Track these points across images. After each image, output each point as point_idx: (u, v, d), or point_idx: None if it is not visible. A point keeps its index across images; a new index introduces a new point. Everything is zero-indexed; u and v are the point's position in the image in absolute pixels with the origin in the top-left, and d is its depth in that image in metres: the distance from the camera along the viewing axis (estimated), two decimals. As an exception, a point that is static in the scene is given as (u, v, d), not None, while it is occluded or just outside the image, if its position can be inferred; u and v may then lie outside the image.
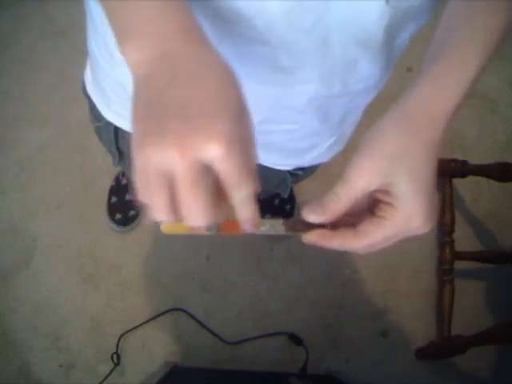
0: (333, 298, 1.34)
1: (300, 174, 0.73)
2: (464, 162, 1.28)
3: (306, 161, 0.67)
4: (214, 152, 0.26)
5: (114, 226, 1.30)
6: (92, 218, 1.33)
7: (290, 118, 0.51)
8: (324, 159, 0.69)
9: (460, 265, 1.32)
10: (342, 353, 1.32)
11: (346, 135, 0.66)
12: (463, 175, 1.29)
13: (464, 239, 1.37)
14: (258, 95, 0.44)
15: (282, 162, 0.66)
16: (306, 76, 0.43)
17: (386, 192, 0.35)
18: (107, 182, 1.33)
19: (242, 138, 0.28)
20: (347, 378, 1.23)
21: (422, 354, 1.30)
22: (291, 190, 1.35)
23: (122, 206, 1.30)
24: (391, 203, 0.35)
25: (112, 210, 1.31)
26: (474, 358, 1.26)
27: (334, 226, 0.37)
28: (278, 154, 0.62)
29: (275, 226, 0.38)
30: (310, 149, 0.62)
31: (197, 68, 0.29)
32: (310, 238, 0.37)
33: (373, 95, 0.55)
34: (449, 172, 1.32)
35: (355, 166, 0.35)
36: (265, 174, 0.69)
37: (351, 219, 0.37)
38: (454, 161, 1.30)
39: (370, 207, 0.37)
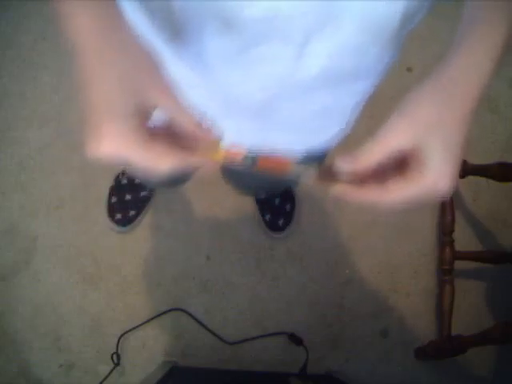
0: (333, 298, 1.34)
1: (311, 162, 0.72)
2: (464, 162, 1.28)
3: (318, 143, 0.66)
4: None
5: (113, 226, 1.30)
6: (92, 218, 1.33)
7: (299, 94, 0.51)
8: (332, 144, 0.68)
9: (460, 265, 1.32)
10: (342, 353, 1.32)
11: (352, 116, 0.66)
12: (463, 175, 1.29)
13: (464, 239, 1.37)
14: (267, 68, 0.45)
15: (294, 143, 0.65)
16: (315, 49, 0.43)
17: (416, 157, 0.37)
18: (107, 182, 1.33)
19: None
20: (347, 378, 1.23)
21: (421, 353, 1.30)
22: (291, 189, 1.35)
23: (122, 206, 1.30)
24: (419, 168, 0.37)
25: (112, 210, 1.30)
26: (474, 358, 1.26)
27: (361, 183, 0.39)
28: (287, 133, 0.62)
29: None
30: (319, 130, 0.62)
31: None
32: (339, 189, 0.39)
33: (376, 82, 0.56)
34: (449, 172, 1.32)
35: (390, 125, 0.37)
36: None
37: (377, 180, 0.39)
38: (454, 161, 1.30)
39: (398, 168, 0.39)
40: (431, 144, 0.36)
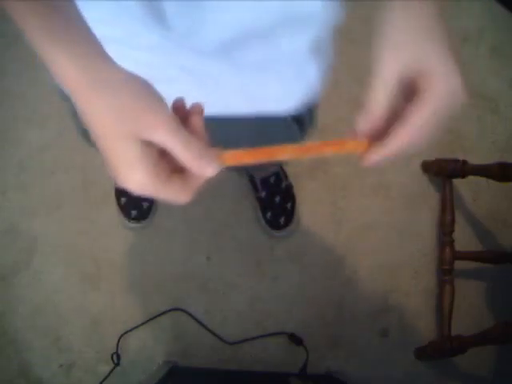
0: (333, 298, 1.34)
1: (305, 117, 0.70)
2: (464, 162, 1.28)
3: (299, 96, 0.63)
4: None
5: (133, 224, 1.29)
6: (92, 217, 1.33)
7: (269, 31, 0.50)
8: (316, 93, 0.66)
9: (460, 265, 1.32)
10: (342, 353, 1.32)
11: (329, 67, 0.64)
12: (463, 175, 1.29)
13: (464, 239, 1.37)
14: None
15: (277, 97, 0.62)
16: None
17: (419, 74, 0.35)
18: (107, 182, 1.33)
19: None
20: (347, 378, 1.23)
21: (421, 353, 1.30)
22: (291, 189, 1.35)
23: (134, 202, 1.29)
24: (431, 78, 0.35)
25: (126, 210, 1.30)
26: (474, 358, 1.26)
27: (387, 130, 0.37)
28: (265, 76, 0.59)
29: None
30: (298, 76, 0.60)
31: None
32: (372, 156, 0.37)
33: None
34: (449, 172, 1.32)
35: (382, 57, 0.36)
36: (269, 130, 0.66)
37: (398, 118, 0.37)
38: (454, 161, 1.30)
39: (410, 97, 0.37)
40: (433, 50, 0.35)
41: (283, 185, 1.33)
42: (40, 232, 1.32)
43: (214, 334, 1.28)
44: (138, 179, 0.33)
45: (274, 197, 1.32)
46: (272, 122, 0.65)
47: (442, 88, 0.35)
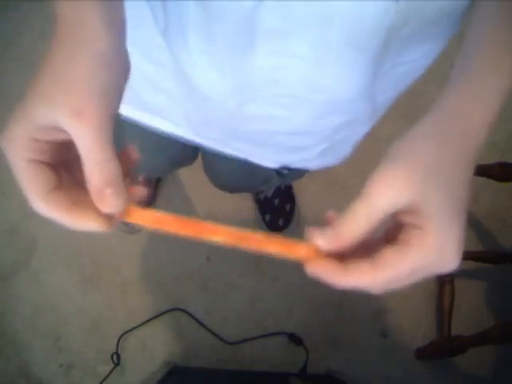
0: (333, 298, 1.34)
1: (286, 173, 0.73)
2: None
3: (294, 161, 0.67)
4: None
5: (125, 228, 1.29)
6: (92, 218, 1.33)
7: (279, 99, 0.48)
8: (313, 166, 0.68)
9: (460, 265, 1.32)
10: (342, 353, 1.32)
11: (340, 151, 0.65)
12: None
13: (464, 239, 1.37)
14: (244, 63, 0.43)
15: (268, 157, 0.66)
16: (299, 49, 0.41)
17: (414, 213, 0.28)
18: (107, 182, 1.33)
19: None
20: (347, 378, 1.23)
21: (421, 353, 1.30)
22: (291, 189, 1.35)
23: None
24: (421, 225, 0.28)
25: None
26: (474, 358, 1.26)
27: (341, 257, 0.31)
28: (264, 148, 0.62)
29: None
30: (297, 149, 0.62)
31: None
32: (316, 268, 0.32)
33: (365, 124, 0.54)
34: (449, 172, 1.32)
35: (379, 178, 0.29)
36: (251, 169, 0.70)
37: (361, 251, 0.31)
38: (454, 161, 1.30)
39: (389, 235, 0.31)
40: (433, 192, 0.28)
41: (282, 186, 1.33)
42: (40, 232, 1.32)
43: (214, 334, 1.28)
44: (13, 136, 0.30)
45: (272, 199, 1.32)
46: (256, 167, 0.67)
47: (430, 248, 0.28)
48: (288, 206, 1.33)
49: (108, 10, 0.30)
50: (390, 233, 0.31)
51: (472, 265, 1.33)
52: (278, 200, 1.33)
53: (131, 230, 1.31)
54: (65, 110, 0.28)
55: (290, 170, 0.70)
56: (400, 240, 0.29)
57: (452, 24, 0.40)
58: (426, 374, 1.32)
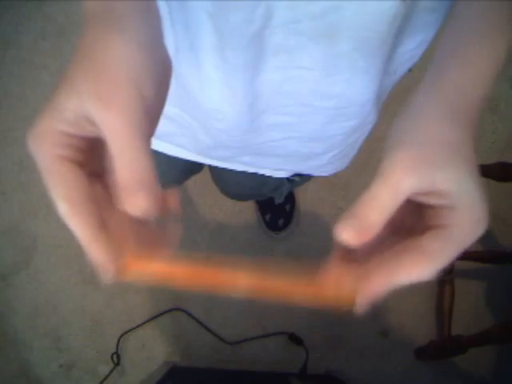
0: (333, 298, 1.34)
1: (297, 180, 0.73)
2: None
3: (304, 168, 0.67)
4: None
5: None
6: (92, 217, 1.33)
7: (289, 108, 0.49)
8: (323, 173, 0.69)
9: (460, 265, 1.32)
10: (342, 353, 1.32)
11: (350, 155, 0.65)
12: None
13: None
14: (255, 77, 0.43)
15: (279, 167, 0.66)
16: (307, 61, 0.41)
17: (441, 194, 0.27)
18: (107, 182, 1.33)
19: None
20: (347, 378, 1.23)
21: (421, 353, 1.30)
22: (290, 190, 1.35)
23: None
24: (454, 205, 0.27)
25: None
26: (474, 357, 1.26)
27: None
28: (275, 159, 0.62)
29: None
30: (309, 157, 0.62)
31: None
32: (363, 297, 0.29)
33: (369, 122, 0.54)
34: (449, 172, 1.32)
35: (399, 160, 0.27)
36: (261, 178, 0.70)
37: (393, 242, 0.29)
38: (454, 161, 1.30)
39: (401, 225, 0.30)
40: (457, 168, 0.28)
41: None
42: (40, 232, 1.32)
43: (214, 334, 1.28)
44: (41, 129, 0.28)
45: (272, 198, 1.32)
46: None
47: (468, 223, 0.28)
48: (288, 206, 1.33)
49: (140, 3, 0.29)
50: (405, 222, 0.30)
51: (472, 265, 1.32)
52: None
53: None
54: (93, 99, 0.25)
55: (301, 176, 0.70)
56: (434, 225, 0.28)
57: (447, 9, 0.40)
58: (426, 374, 1.32)
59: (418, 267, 0.28)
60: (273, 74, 0.43)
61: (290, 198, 1.34)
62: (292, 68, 0.42)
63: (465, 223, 0.27)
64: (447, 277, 1.30)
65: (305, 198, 1.37)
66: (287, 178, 0.72)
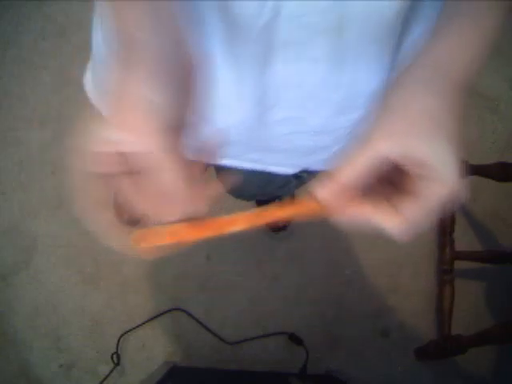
0: (333, 298, 1.34)
1: (304, 176, 0.73)
2: (464, 162, 1.28)
3: (311, 162, 0.67)
4: None
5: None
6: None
7: (298, 101, 0.49)
8: (327, 166, 0.68)
9: (460, 265, 1.32)
10: (342, 353, 1.32)
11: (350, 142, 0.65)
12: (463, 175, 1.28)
13: (464, 239, 1.37)
14: (264, 71, 0.43)
15: (286, 162, 0.66)
16: (316, 53, 0.42)
17: (418, 161, 0.30)
18: (107, 182, 1.33)
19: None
20: (347, 377, 1.23)
21: (422, 353, 1.30)
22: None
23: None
24: (427, 174, 0.30)
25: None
26: (474, 357, 1.26)
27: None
28: (282, 154, 0.62)
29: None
30: (314, 151, 0.62)
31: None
32: (344, 209, 0.32)
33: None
34: (449, 172, 1.32)
35: (378, 129, 0.30)
36: (267, 175, 0.69)
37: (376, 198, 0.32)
38: (454, 161, 1.30)
39: (395, 180, 0.32)
40: (434, 140, 0.30)
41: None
42: (40, 232, 1.32)
43: (214, 334, 1.28)
44: (98, 143, 0.32)
45: (274, 199, 1.32)
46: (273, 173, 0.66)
47: (440, 194, 0.30)
48: (288, 206, 1.33)
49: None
50: (395, 178, 0.32)
51: (472, 265, 1.33)
52: (278, 200, 1.33)
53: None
54: (123, 130, 0.29)
55: (308, 172, 0.69)
56: (410, 190, 0.31)
57: None
58: (426, 374, 1.32)
59: (390, 223, 0.32)
60: (281, 67, 0.43)
61: (291, 198, 1.34)
62: (300, 60, 0.42)
63: (437, 194, 0.30)
64: (447, 277, 1.30)
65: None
66: (294, 175, 0.71)
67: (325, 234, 1.37)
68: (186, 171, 0.31)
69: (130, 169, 0.31)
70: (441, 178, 0.30)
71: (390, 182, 0.33)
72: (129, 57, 0.31)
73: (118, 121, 0.30)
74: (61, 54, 1.41)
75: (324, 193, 0.31)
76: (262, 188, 0.85)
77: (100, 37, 0.53)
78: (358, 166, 0.30)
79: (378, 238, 1.46)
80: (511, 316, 1.31)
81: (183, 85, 0.33)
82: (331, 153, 0.61)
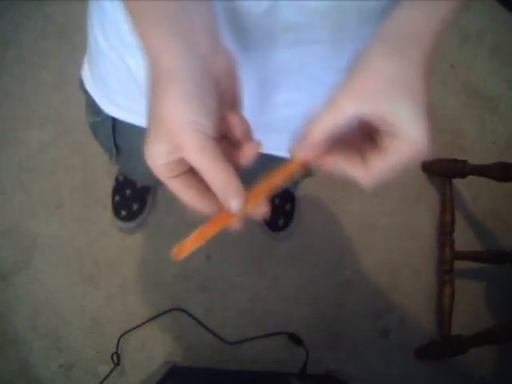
0: (333, 298, 1.34)
1: None
2: (464, 162, 1.28)
3: None
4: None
5: (120, 224, 1.30)
6: (92, 218, 1.33)
7: (300, 84, 0.49)
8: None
9: (460, 265, 1.32)
10: (342, 353, 1.32)
11: None
12: (463, 175, 1.29)
13: (464, 239, 1.37)
14: (266, 55, 0.44)
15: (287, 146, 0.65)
16: (316, 36, 0.42)
17: (385, 122, 0.32)
18: (107, 182, 1.33)
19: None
20: (347, 377, 1.23)
21: (422, 353, 1.30)
22: (291, 189, 1.35)
23: (125, 202, 1.30)
24: (394, 133, 0.32)
25: (116, 208, 1.31)
26: (474, 357, 1.26)
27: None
28: (285, 136, 0.61)
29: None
30: None
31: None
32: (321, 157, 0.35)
33: None
34: (449, 172, 1.32)
35: (344, 87, 0.32)
36: (270, 162, 0.69)
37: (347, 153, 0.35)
38: (454, 161, 1.31)
39: (367, 132, 0.35)
40: (398, 100, 0.31)
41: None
42: (40, 232, 1.32)
43: (214, 334, 1.28)
44: (153, 164, 0.34)
45: (273, 198, 1.32)
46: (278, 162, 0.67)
47: (405, 152, 0.32)
48: (288, 206, 1.33)
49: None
50: (369, 131, 0.35)
51: (472, 265, 1.33)
52: (278, 200, 1.33)
53: (131, 229, 1.31)
54: (169, 146, 0.32)
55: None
56: (380, 146, 0.33)
57: None
58: (426, 374, 1.32)
59: (357, 174, 0.34)
60: (283, 51, 0.44)
61: (290, 198, 1.34)
62: (301, 44, 0.43)
63: (402, 152, 0.32)
64: (447, 277, 1.30)
65: (305, 198, 1.37)
66: None
67: (325, 234, 1.37)
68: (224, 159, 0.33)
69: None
70: (405, 136, 0.32)
71: (368, 135, 0.35)
72: (159, 79, 0.32)
73: (165, 138, 0.32)
74: (61, 54, 1.41)
75: (298, 150, 0.35)
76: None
77: (101, 35, 0.53)
78: (326, 125, 0.33)
79: (379, 238, 1.46)
80: (511, 316, 1.31)
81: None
82: None
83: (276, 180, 0.37)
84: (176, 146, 0.32)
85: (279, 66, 0.46)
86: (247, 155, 0.36)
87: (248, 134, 0.36)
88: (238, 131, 0.35)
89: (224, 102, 0.35)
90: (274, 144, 0.64)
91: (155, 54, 0.31)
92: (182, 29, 0.31)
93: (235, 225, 0.39)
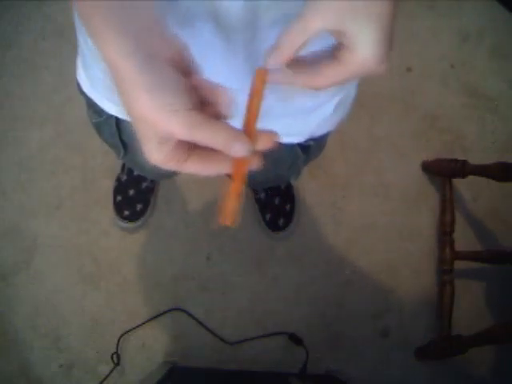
0: (333, 298, 1.34)
1: (312, 144, 0.72)
2: (464, 162, 1.28)
3: (312, 126, 0.66)
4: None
5: (123, 223, 1.29)
6: (92, 217, 1.33)
7: None
8: (330, 126, 0.68)
9: (460, 265, 1.32)
10: (342, 353, 1.32)
11: (350, 97, 0.65)
12: (463, 175, 1.29)
13: (464, 239, 1.37)
14: (253, 42, 0.45)
15: (290, 131, 0.65)
16: (298, 8, 0.43)
17: (343, 33, 0.34)
18: (107, 182, 1.33)
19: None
20: (347, 378, 1.23)
21: (422, 353, 1.30)
22: (291, 189, 1.35)
23: (128, 202, 1.30)
24: (348, 45, 0.35)
25: (119, 208, 1.30)
26: (474, 357, 1.26)
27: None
28: (285, 119, 0.62)
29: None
30: (314, 109, 0.62)
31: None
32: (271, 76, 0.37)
33: None
34: (449, 172, 1.32)
35: (313, 4, 0.35)
36: (276, 154, 0.69)
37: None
38: (454, 161, 1.31)
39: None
40: (358, 19, 0.34)
41: (283, 186, 1.33)
42: (40, 232, 1.32)
43: (214, 334, 1.28)
44: (156, 160, 0.34)
45: (273, 198, 1.32)
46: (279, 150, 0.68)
47: (358, 64, 0.35)
48: (288, 206, 1.33)
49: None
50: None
51: (472, 265, 1.33)
52: (278, 200, 1.33)
53: (131, 229, 1.31)
54: (159, 139, 0.33)
55: (314, 140, 0.69)
56: (335, 56, 0.36)
57: None
58: (426, 374, 1.32)
59: (311, 82, 0.38)
60: (269, 30, 0.44)
61: (290, 198, 1.34)
62: (287, 19, 0.43)
63: (352, 64, 0.35)
64: (447, 277, 1.30)
65: (305, 198, 1.37)
66: (300, 147, 0.71)
67: (325, 234, 1.37)
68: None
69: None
70: (358, 51, 0.34)
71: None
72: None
73: (151, 134, 0.33)
74: (61, 54, 1.41)
75: (270, 58, 0.37)
76: (270, 171, 0.84)
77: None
78: (296, 38, 0.35)
79: (379, 238, 1.46)
80: (511, 316, 1.31)
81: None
82: (330, 109, 0.63)
83: (254, 103, 0.39)
84: (164, 134, 0.32)
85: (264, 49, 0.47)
86: (264, 147, 0.37)
87: (216, 90, 0.36)
88: (204, 89, 0.36)
89: (184, 74, 0.35)
90: (273, 128, 0.64)
91: (110, 59, 0.32)
92: (129, 29, 0.32)
93: (256, 164, 0.39)
